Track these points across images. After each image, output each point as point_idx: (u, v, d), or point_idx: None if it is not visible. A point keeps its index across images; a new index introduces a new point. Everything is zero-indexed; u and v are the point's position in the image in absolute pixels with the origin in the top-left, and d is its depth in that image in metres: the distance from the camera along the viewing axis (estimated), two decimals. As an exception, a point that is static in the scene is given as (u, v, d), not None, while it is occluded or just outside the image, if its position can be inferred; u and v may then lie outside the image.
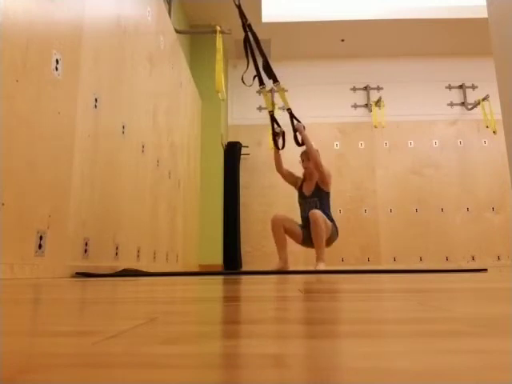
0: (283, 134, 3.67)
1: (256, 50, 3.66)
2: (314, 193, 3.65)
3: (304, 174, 3.77)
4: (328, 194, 3.67)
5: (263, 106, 6.47)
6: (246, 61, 3.70)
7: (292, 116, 3.68)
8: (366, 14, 5.79)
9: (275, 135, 3.65)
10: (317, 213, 3.45)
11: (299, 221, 3.72)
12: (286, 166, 3.81)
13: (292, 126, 3.67)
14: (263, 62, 3.67)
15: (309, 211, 3.52)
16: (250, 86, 3.71)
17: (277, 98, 3.85)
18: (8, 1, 1.59)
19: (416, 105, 6.43)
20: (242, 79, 3.61)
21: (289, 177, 3.81)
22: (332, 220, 3.60)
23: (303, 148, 3.69)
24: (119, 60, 2.66)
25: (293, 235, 3.65)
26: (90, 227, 2.22)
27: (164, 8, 3.78)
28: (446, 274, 1.86)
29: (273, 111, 3.78)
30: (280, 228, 3.58)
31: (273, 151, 3.78)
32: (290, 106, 3.73)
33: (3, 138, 1.54)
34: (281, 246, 3.59)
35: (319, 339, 0.32)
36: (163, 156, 3.62)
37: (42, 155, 1.79)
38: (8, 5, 1.59)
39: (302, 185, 3.76)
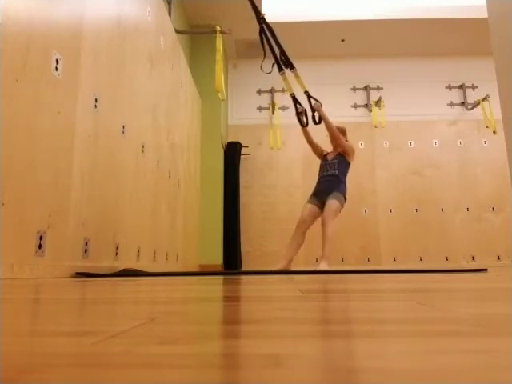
0: (305, 111, 3.94)
1: (272, 40, 3.83)
2: (336, 157, 3.86)
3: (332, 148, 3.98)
4: (349, 164, 3.88)
5: (263, 106, 6.48)
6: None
7: (309, 97, 3.88)
8: (366, 13, 5.79)
9: (299, 114, 3.91)
10: (326, 214, 3.59)
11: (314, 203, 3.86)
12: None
13: (310, 106, 3.88)
14: (280, 50, 3.87)
15: (326, 171, 3.82)
16: (269, 73, 3.90)
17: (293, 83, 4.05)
18: (8, 1, 1.59)
19: (416, 105, 6.43)
20: (261, 67, 3.80)
21: (317, 148, 4.04)
22: (344, 188, 3.79)
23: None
24: (119, 60, 2.66)
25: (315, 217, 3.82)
26: (90, 227, 2.22)
27: (164, 8, 3.78)
28: (445, 274, 1.86)
29: (294, 93, 3.96)
30: (304, 231, 3.74)
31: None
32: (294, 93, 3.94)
33: (3, 137, 1.54)
34: (293, 246, 3.70)
35: (319, 339, 0.32)
36: (163, 156, 3.61)
37: (41, 155, 1.79)
38: (8, 5, 1.59)
39: (327, 154, 3.99)
